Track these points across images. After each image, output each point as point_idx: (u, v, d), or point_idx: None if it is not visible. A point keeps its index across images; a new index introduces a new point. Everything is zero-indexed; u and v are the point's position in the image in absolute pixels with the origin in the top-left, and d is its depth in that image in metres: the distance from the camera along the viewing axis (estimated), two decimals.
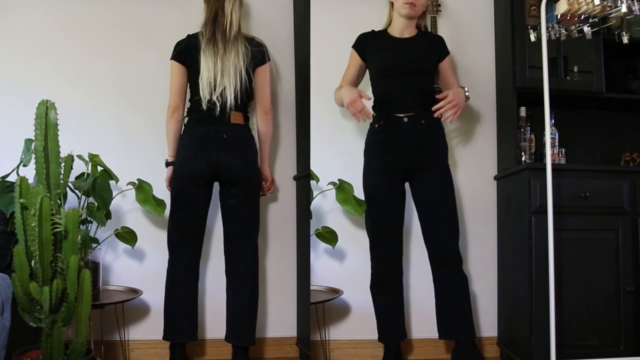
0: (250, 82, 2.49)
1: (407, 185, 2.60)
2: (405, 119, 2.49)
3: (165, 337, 2.49)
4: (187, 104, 2.54)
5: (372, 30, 2.65)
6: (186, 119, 2.52)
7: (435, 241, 2.51)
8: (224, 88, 2.42)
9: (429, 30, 2.80)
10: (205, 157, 2.42)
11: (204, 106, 2.43)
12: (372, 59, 2.59)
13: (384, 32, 2.63)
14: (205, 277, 2.76)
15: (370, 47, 2.60)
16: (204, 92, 2.42)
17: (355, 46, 2.63)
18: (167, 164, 2.55)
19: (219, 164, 2.42)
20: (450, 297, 2.52)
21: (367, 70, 2.66)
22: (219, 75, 2.42)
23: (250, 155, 2.50)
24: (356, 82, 2.64)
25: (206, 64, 2.42)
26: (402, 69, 2.52)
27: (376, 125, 2.54)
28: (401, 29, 2.59)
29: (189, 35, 2.52)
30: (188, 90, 2.54)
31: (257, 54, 2.51)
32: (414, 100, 2.50)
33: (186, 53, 2.47)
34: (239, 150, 2.46)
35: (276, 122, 2.89)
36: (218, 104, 2.41)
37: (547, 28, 2.53)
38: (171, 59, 2.50)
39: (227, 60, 2.42)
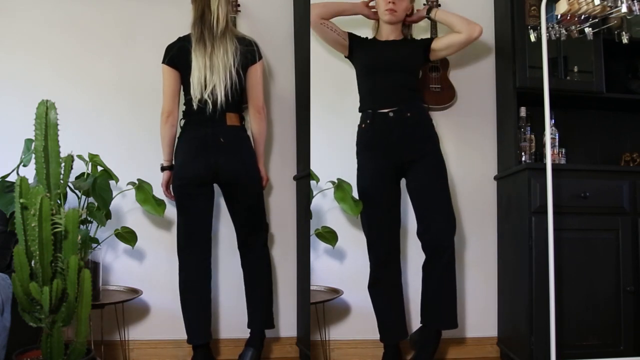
0: (241, 81, 2.47)
1: (403, 183, 2.60)
2: (391, 114, 2.49)
3: (187, 341, 2.50)
4: (182, 107, 2.52)
5: (366, 37, 2.67)
6: (182, 122, 2.51)
7: (427, 228, 2.49)
8: (214, 86, 2.40)
9: (432, 30, 2.82)
10: (204, 160, 2.41)
11: (195, 106, 2.42)
12: (356, 58, 2.61)
13: (372, 38, 2.68)
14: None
15: (357, 46, 2.62)
16: (195, 92, 2.40)
17: (350, 33, 2.63)
18: (163, 169, 2.56)
19: (218, 167, 2.42)
20: (435, 286, 2.49)
21: (354, 68, 2.66)
22: (209, 73, 2.39)
23: (248, 158, 2.50)
24: (335, 31, 2.58)
25: (197, 64, 2.40)
26: (384, 66, 2.53)
27: (363, 126, 2.56)
28: (387, 34, 2.62)
29: (179, 39, 2.49)
30: (182, 93, 2.52)
31: (248, 53, 2.48)
32: (398, 96, 2.51)
33: (179, 57, 2.45)
34: (237, 153, 2.46)
35: (276, 122, 2.89)
36: (209, 102, 2.40)
37: (547, 28, 2.53)
38: (163, 63, 2.47)
39: (216, 58, 2.40)
